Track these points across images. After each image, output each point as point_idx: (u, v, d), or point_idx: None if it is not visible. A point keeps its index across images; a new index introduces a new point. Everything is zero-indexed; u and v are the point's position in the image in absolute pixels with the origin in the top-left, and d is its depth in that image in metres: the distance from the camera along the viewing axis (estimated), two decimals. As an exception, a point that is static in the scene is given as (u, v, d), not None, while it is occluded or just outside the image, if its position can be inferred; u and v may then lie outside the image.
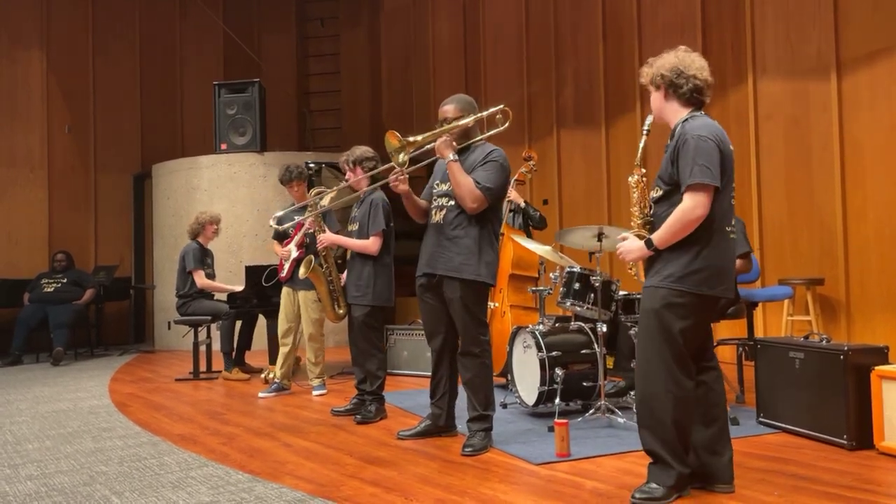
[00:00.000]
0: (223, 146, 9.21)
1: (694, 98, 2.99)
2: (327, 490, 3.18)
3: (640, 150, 3.10)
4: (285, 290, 5.84)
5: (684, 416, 2.89)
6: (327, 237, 4.96)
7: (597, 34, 8.00)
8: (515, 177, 5.87)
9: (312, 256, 5.00)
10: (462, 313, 3.76)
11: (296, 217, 5.45)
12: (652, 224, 3.02)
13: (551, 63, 8.59)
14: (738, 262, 4.58)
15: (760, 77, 6.48)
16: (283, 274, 5.78)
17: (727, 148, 2.92)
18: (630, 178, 3.09)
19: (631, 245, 3.02)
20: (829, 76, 5.94)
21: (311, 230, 5.18)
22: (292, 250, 5.71)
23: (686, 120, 2.96)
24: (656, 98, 3.06)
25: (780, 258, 6.30)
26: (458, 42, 9.99)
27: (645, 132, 3.10)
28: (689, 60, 3.00)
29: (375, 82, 11.79)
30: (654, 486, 2.87)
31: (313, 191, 5.27)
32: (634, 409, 3.68)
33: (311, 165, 7.50)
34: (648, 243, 2.93)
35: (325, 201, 5.22)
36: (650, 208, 3.04)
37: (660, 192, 2.99)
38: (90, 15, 10.61)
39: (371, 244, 4.67)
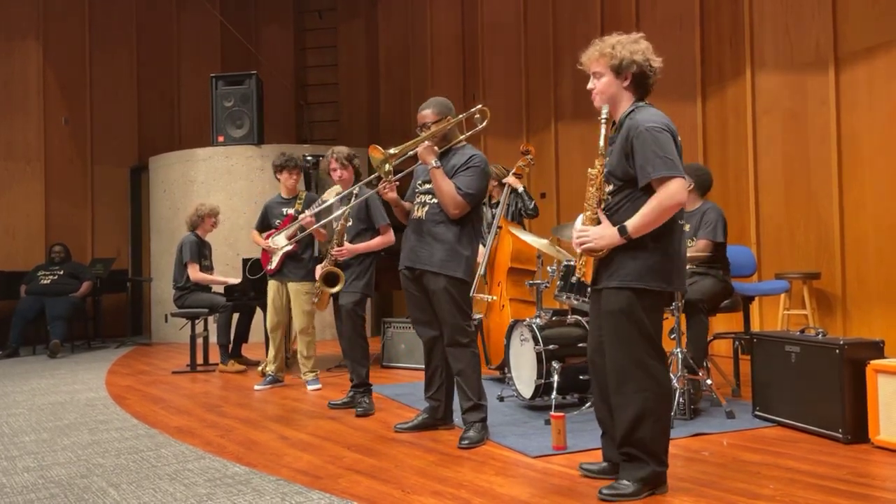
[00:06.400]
0: (220, 139, 9.19)
1: (649, 91, 2.93)
2: (324, 482, 3.19)
3: (602, 139, 2.87)
4: (272, 283, 5.75)
5: (665, 413, 2.86)
6: (347, 248, 4.75)
7: (595, 26, 7.98)
8: (513, 170, 5.89)
9: (341, 271, 4.75)
10: (448, 305, 3.79)
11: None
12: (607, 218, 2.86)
13: (549, 56, 8.57)
14: (701, 242, 4.59)
15: (759, 71, 6.47)
16: (272, 266, 5.66)
17: (678, 138, 2.85)
18: (591, 171, 2.90)
19: (603, 231, 2.81)
20: (827, 70, 5.94)
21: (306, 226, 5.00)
22: (281, 242, 5.61)
23: (632, 111, 2.87)
24: (613, 84, 2.87)
25: (777, 252, 6.30)
26: (456, 34, 9.96)
27: (603, 121, 2.89)
28: (652, 51, 2.89)
29: (373, 75, 11.75)
30: (624, 482, 2.81)
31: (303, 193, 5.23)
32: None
33: (309, 158, 7.47)
34: (622, 230, 2.75)
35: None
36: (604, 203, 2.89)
37: (610, 188, 2.89)
38: (87, 7, 10.56)
39: (389, 237, 4.82)
